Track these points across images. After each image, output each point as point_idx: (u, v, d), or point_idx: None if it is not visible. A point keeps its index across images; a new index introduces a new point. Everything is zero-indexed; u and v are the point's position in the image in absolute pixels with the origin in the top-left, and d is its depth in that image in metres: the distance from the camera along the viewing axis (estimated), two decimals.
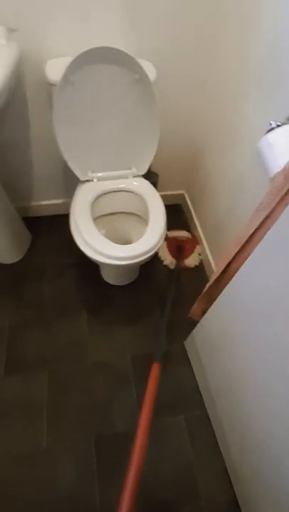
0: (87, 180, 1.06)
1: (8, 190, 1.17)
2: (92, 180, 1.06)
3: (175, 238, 1.35)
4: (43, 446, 0.88)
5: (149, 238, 0.90)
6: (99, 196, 1.04)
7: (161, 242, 0.92)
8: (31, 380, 0.99)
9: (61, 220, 1.33)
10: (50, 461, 0.86)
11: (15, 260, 1.27)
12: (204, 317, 0.88)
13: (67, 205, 1.05)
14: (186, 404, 0.98)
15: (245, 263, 0.63)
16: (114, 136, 0.99)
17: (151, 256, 0.89)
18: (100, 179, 1.06)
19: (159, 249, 0.94)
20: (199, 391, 1.00)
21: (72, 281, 1.24)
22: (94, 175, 1.05)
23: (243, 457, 0.76)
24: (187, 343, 1.08)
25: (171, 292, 1.13)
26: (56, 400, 0.96)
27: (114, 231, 1.16)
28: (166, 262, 1.30)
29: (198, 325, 0.94)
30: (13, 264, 1.26)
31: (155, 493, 0.84)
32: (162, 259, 1.32)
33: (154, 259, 1.34)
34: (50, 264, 1.28)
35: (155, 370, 0.82)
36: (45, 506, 0.80)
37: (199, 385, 1.01)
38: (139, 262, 0.88)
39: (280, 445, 0.58)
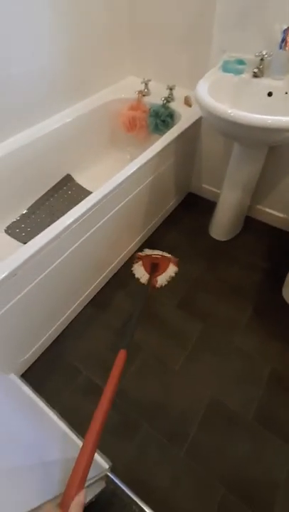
0: None
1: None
2: None
3: (149, 256, 1.43)
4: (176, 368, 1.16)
5: None
6: None
7: None
8: (190, 321, 1.27)
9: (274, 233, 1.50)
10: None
11: (223, 239, 1.58)
12: None
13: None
14: None
15: None
16: None
17: None
18: None
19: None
20: None
21: (252, 275, 1.41)
22: None
23: None
24: None
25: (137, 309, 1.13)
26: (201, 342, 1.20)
27: None
28: (142, 280, 1.36)
29: None
30: (220, 241, 1.58)
31: None
32: (137, 276, 1.38)
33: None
34: (244, 255, 1.50)
35: (121, 357, 0.79)
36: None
37: None
38: None
39: None
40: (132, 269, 1.42)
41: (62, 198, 1.51)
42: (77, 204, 1.01)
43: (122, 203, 1.17)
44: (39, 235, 0.90)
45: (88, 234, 1.06)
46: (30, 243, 0.89)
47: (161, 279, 1.38)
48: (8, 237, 1.34)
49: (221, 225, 1.55)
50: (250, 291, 1.37)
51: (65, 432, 0.91)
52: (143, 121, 1.54)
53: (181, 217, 1.69)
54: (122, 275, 1.42)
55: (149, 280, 1.32)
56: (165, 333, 1.24)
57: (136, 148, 1.65)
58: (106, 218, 1.11)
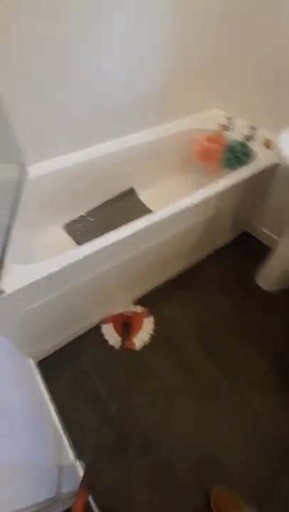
0: None
1: None
2: None
3: (121, 314, 1.20)
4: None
5: None
6: None
7: None
8: (206, 360, 1.21)
9: None
10: None
11: (269, 289, 1.48)
12: None
13: None
14: None
15: None
16: None
17: None
18: None
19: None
20: None
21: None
22: None
23: None
24: None
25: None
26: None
27: None
28: (111, 342, 1.15)
29: None
30: (266, 290, 1.48)
31: None
32: (106, 338, 1.18)
33: None
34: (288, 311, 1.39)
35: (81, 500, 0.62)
36: None
37: None
38: None
39: None
40: (102, 330, 1.24)
41: (121, 209, 1.58)
42: (132, 217, 1.05)
43: (178, 229, 1.18)
44: (95, 241, 0.96)
45: (138, 250, 1.09)
46: (85, 246, 0.95)
47: (139, 340, 1.21)
48: (64, 233, 1.44)
49: (272, 275, 1.45)
50: (283, 348, 1.26)
51: (57, 430, 0.93)
52: (218, 153, 1.54)
53: (229, 254, 1.63)
54: (151, 299, 1.40)
55: (123, 343, 1.16)
56: (178, 363, 1.21)
57: (204, 178, 1.66)
58: (158, 239, 1.14)
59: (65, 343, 1.22)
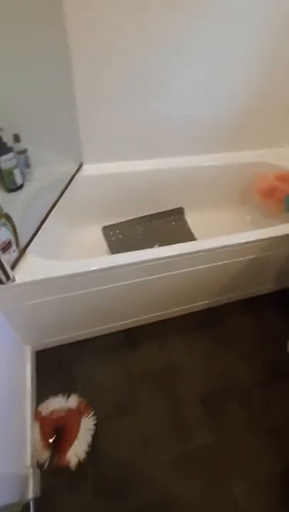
0: None
1: None
2: None
3: (49, 417, 0.85)
4: None
5: None
6: None
7: None
8: (202, 427, 1.08)
9: None
10: None
11: None
12: None
13: None
14: None
15: None
16: None
17: None
18: None
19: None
20: None
21: None
22: None
23: None
24: None
25: None
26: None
27: None
28: (41, 460, 0.81)
29: None
30: None
31: None
32: (33, 450, 0.82)
33: None
34: None
35: None
36: None
37: None
38: None
39: None
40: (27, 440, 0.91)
41: (164, 226, 1.53)
42: (174, 238, 1.00)
43: (214, 264, 1.09)
44: (131, 252, 0.94)
45: (167, 273, 1.03)
46: (120, 255, 0.93)
47: (75, 453, 0.89)
48: (101, 234, 1.45)
49: None
50: None
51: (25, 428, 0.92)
52: (283, 195, 1.39)
53: (262, 307, 1.45)
54: (162, 327, 1.32)
55: (52, 458, 0.85)
56: (172, 415, 1.09)
57: (261, 217, 1.52)
58: (189, 269, 1.06)
59: (68, 342, 1.22)
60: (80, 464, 0.90)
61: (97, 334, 1.25)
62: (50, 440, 0.89)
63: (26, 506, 0.83)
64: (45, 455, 0.87)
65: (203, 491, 0.94)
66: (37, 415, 0.95)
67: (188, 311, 1.37)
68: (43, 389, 1.08)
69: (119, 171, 1.33)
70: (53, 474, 0.88)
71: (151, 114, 1.21)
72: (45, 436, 0.89)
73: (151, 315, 1.28)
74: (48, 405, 0.95)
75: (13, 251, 0.83)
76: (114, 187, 1.38)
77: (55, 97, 1.05)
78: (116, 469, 0.96)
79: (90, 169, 1.30)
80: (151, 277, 1.02)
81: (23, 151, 1.11)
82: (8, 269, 0.78)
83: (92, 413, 0.98)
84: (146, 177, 1.39)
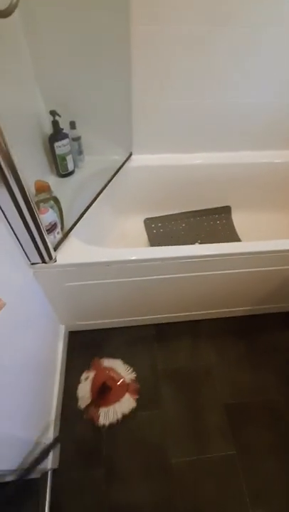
0: None
1: None
2: None
3: (109, 371, 0.97)
4: None
5: None
6: None
7: None
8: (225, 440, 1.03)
9: None
10: None
11: None
12: None
13: None
14: None
15: None
16: None
17: None
18: None
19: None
20: None
21: None
22: None
23: None
24: None
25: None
26: None
27: None
28: (80, 395, 0.94)
29: None
30: None
31: None
32: (79, 394, 0.94)
33: None
34: None
35: None
36: None
37: None
38: None
39: None
40: (81, 378, 1.05)
41: (208, 224, 1.47)
42: (217, 237, 0.96)
43: (257, 269, 1.02)
44: (169, 247, 0.92)
45: (199, 273, 0.99)
46: (157, 248, 0.93)
47: (105, 416, 0.97)
48: (142, 226, 1.45)
49: None
50: None
51: (52, 403, 0.97)
52: None
53: None
54: (196, 327, 1.28)
55: (88, 408, 0.94)
56: (192, 418, 1.06)
57: None
58: (229, 272, 1.01)
59: (100, 328, 1.25)
60: (103, 427, 0.97)
61: (129, 325, 1.26)
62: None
63: (44, 475, 0.89)
64: (86, 399, 1.00)
65: (215, 502, 0.90)
66: (96, 364, 1.06)
67: (225, 316, 1.30)
68: (72, 367, 1.13)
69: (166, 163, 1.31)
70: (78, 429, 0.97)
71: (206, 106, 1.15)
72: (94, 384, 1.00)
73: (186, 313, 1.25)
74: (110, 363, 1.06)
75: (58, 233, 0.86)
76: (161, 179, 1.36)
77: (113, 86, 1.06)
78: (131, 455, 0.97)
79: (138, 160, 1.29)
80: (189, 275, 0.99)
81: (78, 138, 1.15)
82: (52, 250, 0.81)
83: (136, 397, 1.04)
84: (194, 171, 1.34)
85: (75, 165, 1.20)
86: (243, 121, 1.22)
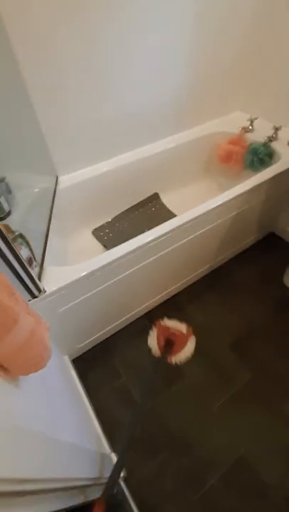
0: None
1: None
2: None
3: (168, 329, 1.09)
4: None
5: None
6: None
7: None
8: (239, 367, 1.22)
9: None
10: None
11: None
12: None
13: None
14: None
15: None
16: None
17: None
18: None
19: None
20: None
21: None
22: None
23: None
24: None
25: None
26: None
27: None
28: (152, 351, 1.07)
29: None
30: None
31: None
32: (150, 346, 1.08)
33: None
34: None
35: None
36: None
37: None
38: None
39: None
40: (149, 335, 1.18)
41: (146, 214, 1.64)
42: (157, 221, 1.10)
43: (201, 231, 1.22)
44: (121, 245, 1.02)
45: (161, 253, 1.14)
46: (112, 251, 1.01)
47: (177, 358, 1.15)
48: (93, 237, 1.53)
49: None
50: None
51: (93, 424, 0.99)
52: (240, 156, 1.56)
53: (255, 256, 1.63)
54: (178, 300, 1.45)
55: (165, 354, 1.11)
56: (211, 370, 1.22)
57: (226, 180, 1.68)
58: (182, 242, 1.18)
59: (99, 341, 1.29)
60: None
61: (123, 326, 1.34)
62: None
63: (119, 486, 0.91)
64: (157, 353, 1.08)
65: (262, 420, 1.08)
66: (157, 324, 1.13)
67: (196, 279, 1.50)
68: (91, 387, 1.16)
69: (90, 175, 1.41)
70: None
71: (105, 114, 1.28)
72: (159, 341, 1.10)
73: (165, 292, 1.39)
74: (166, 322, 1.14)
75: (35, 266, 0.89)
76: (91, 191, 1.45)
77: (20, 122, 1.10)
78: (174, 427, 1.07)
79: (65, 181, 1.36)
80: (153, 258, 1.13)
81: (2, 179, 1.16)
82: (38, 282, 0.84)
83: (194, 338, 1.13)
84: (117, 174, 1.47)
85: (9, 204, 1.20)
86: (140, 119, 1.41)
